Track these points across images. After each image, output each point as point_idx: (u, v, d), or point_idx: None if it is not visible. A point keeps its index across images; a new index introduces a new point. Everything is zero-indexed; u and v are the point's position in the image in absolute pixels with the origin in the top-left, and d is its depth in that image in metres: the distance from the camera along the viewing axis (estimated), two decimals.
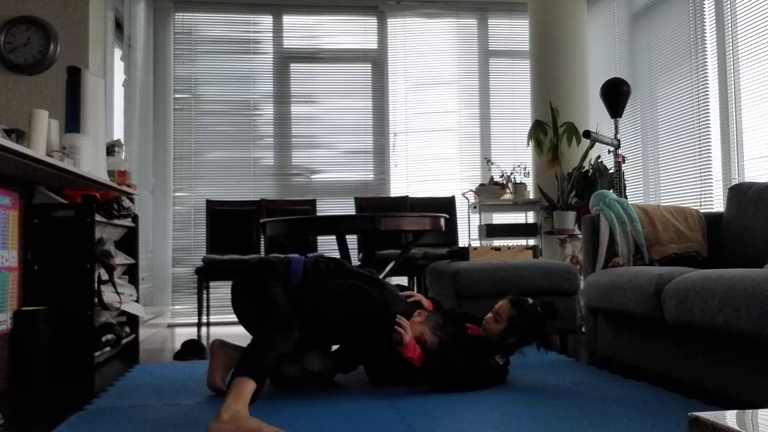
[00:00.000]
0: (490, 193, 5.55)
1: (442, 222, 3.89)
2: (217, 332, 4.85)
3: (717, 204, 4.23)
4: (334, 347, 2.78)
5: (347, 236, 3.92)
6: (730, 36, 4.12)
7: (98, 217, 3.24)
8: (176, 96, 5.97)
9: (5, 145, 2.24)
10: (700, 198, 4.38)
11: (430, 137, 6.24)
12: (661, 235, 3.30)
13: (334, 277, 2.59)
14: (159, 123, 5.85)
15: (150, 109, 5.67)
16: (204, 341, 4.28)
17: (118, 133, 4.76)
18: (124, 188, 3.64)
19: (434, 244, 5.31)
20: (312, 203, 5.74)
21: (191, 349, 3.61)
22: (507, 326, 2.64)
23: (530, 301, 2.70)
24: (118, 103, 4.84)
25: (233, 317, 6.22)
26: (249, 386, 2.03)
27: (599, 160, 5.21)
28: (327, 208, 5.97)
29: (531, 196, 5.65)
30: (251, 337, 2.37)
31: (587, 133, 4.24)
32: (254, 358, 2.15)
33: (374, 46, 6.27)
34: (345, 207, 5.97)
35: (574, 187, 5.22)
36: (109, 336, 3.39)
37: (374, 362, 2.68)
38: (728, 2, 4.14)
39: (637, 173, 5.19)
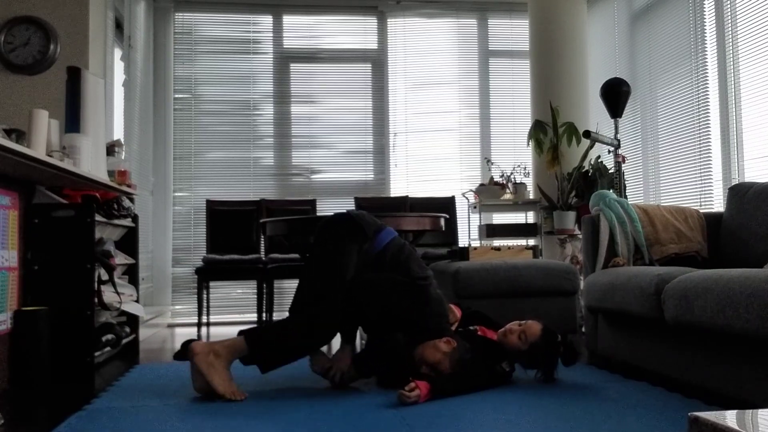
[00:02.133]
0: (490, 193, 5.55)
1: (442, 222, 3.89)
2: (217, 332, 4.86)
3: (717, 204, 4.23)
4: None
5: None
6: (730, 36, 4.12)
7: (98, 217, 3.23)
8: (176, 96, 5.97)
9: (5, 145, 2.24)
10: (700, 198, 4.38)
11: (430, 137, 6.24)
12: (661, 235, 3.30)
13: (397, 265, 2.62)
14: (159, 123, 5.85)
15: (150, 109, 5.68)
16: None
17: (118, 133, 4.76)
18: (124, 188, 3.64)
19: (434, 244, 5.31)
20: (312, 203, 5.74)
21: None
22: (527, 350, 2.61)
23: (559, 337, 2.66)
24: (118, 103, 4.84)
25: (233, 317, 6.23)
26: (242, 346, 2.44)
27: (599, 160, 5.21)
28: (327, 208, 5.97)
29: (531, 196, 5.65)
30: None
31: (587, 133, 4.24)
32: (271, 336, 2.48)
33: (374, 46, 6.26)
34: (345, 207, 5.97)
35: (574, 187, 5.22)
36: (109, 336, 3.39)
37: (390, 370, 2.64)
38: (728, 2, 4.14)
39: (637, 173, 5.19)
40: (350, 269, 2.57)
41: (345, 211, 2.77)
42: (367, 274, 2.62)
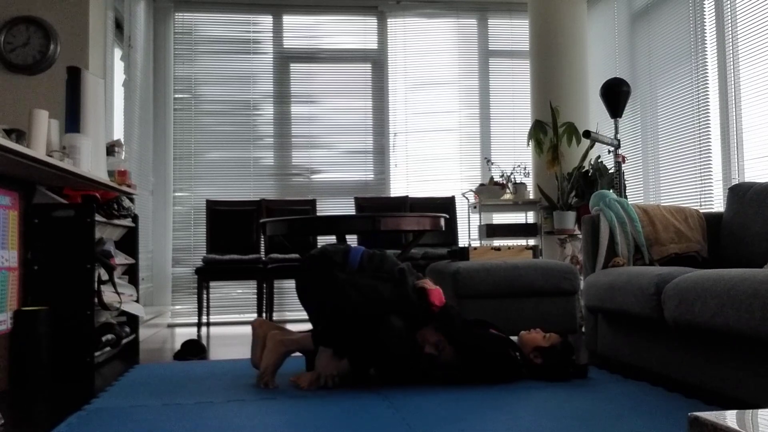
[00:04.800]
0: (490, 193, 5.55)
1: (442, 222, 3.89)
2: (217, 332, 4.86)
3: (717, 204, 4.23)
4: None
5: (347, 236, 3.92)
6: (730, 36, 4.12)
7: (98, 217, 3.24)
8: (176, 96, 5.98)
9: (5, 145, 2.24)
10: (700, 198, 4.38)
11: (430, 137, 6.24)
12: (661, 235, 3.30)
13: (376, 270, 2.77)
14: (159, 123, 5.85)
15: (150, 109, 5.68)
16: (204, 341, 4.28)
17: (118, 133, 4.76)
18: (124, 188, 3.64)
19: (434, 244, 5.31)
20: (312, 203, 5.74)
21: (191, 349, 3.61)
22: (546, 348, 2.73)
23: (574, 357, 2.80)
24: (118, 103, 4.84)
25: (233, 317, 6.25)
26: (308, 342, 2.67)
27: (599, 160, 5.21)
28: (327, 208, 5.97)
29: (531, 196, 5.65)
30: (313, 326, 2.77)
31: (587, 133, 4.24)
32: (331, 333, 2.61)
33: (374, 46, 6.27)
34: (345, 207, 5.97)
35: (574, 187, 5.22)
36: (109, 336, 3.39)
37: (388, 360, 2.70)
38: (728, 2, 4.14)
39: (637, 173, 5.19)
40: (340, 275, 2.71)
41: (305, 258, 2.94)
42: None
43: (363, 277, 2.70)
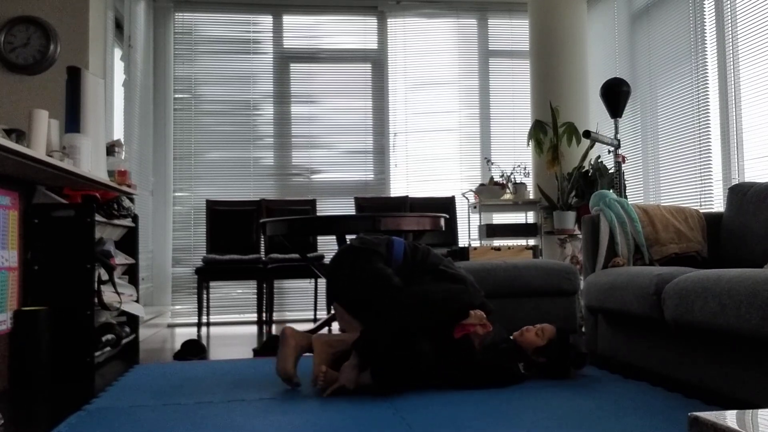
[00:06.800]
0: (490, 193, 5.55)
1: (442, 222, 3.89)
2: (217, 332, 4.86)
3: (717, 204, 4.23)
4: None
5: (347, 236, 3.92)
6: (730, 36, 4.12)
7: (98, 217, 3.23)
8: (176, 96, 5.97)
9: (5, 145, 2.24)
10: (700, 198, 4.38)
11: (430, 137, 6.24)
12: (661, 235, 3.30)
13: (425, 268, 2.72)
14: (159, 123, 5.85)
15: (150, 109, 5.68)
16: (204, 341, 4.28)
17: (118, 133, 4.76)
18: (124, 188, 3.64)
19: (434, 244, 5.31)
20: (312, 203, 5.75)
21: (191, 349, 3.61)
22: (544, 345, 2.72)
23: (571, 339, 2.79)
24: (118, 103, 4.84)
25: (233, 317, 6.23)
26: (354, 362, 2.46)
27: (599, 160, 5.21)
28: (327, 208, 5.97)
29: (531, 196, 5.65)
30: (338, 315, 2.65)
31: (587, 133, 4.24)
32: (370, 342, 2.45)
33: (374, 46, 6.27)
34: (345, 207, 5.97)
35: (574, 187, 5.22)
36: (109, 336, 3.39)
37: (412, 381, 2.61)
38: (728, 2, 4.14)
39: (637, 173, 5.19)
40: (394, 277, 2.64)
41: (346, 245, 2.81)
42: (414, 274, 2.71)
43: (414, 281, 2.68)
